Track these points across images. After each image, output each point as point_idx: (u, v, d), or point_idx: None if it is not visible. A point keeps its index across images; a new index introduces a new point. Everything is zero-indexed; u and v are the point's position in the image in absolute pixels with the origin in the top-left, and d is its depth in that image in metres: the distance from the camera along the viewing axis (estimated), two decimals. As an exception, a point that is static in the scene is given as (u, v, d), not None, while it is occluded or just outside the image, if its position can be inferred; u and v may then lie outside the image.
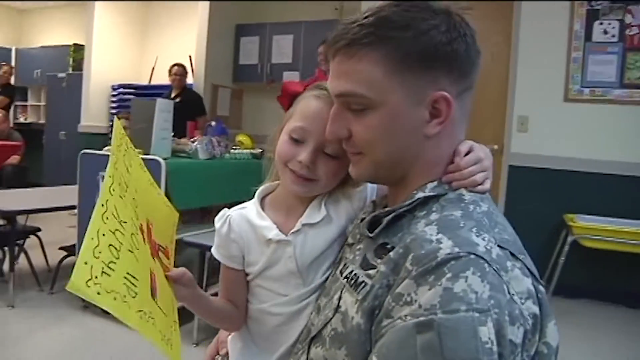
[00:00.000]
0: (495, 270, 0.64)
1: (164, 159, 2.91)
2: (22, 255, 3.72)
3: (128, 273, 0.71)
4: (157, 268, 0.85)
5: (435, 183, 0.79)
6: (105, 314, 3.15)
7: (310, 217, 0.94)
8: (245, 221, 0.96)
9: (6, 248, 3.48)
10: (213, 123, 4.17)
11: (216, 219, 0.98)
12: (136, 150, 0.95)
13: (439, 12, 0.74)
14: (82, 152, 3.12)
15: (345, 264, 0.84)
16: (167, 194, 2.80)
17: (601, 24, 4.01)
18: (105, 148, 3.11)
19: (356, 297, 0.74)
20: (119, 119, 0.93)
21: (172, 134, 3.21)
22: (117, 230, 0.73)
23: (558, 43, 4.11)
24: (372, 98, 0.76)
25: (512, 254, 0.68)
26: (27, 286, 3.67)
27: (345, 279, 0.80)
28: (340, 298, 0.79)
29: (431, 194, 0.77)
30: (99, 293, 0.63)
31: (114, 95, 6.80)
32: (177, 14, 6.98)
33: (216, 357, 1.11)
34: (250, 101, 6.44)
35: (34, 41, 8.55)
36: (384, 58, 0.74)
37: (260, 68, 6.15)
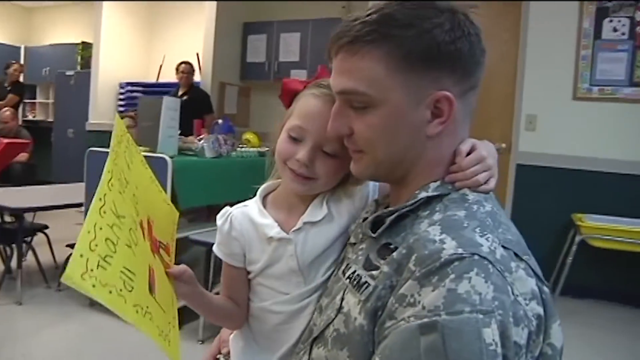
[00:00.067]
0: (499, 271, 0.63)
1: (171, 157, 2.92)
2: (30, 253, 3.74)
3: (125, 267, 0.71)
4: (157, 264, 0.85)
5: (438, 183, 0.78)
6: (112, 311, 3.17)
7: (312, 215, 0.94)
8: (247, 219, 0.96)
9: (14, 245, 3.50)
10: (220, 121, 4.17)
11: (218, 216, 0.98)
12: (143, 148, 0.95)
13: (444, 11, 0.73)
14: (89, 149, 3.13)
15: (347, 264, 0.84)
16: (173, 192, 2.86)
17: (611, 21, 3.97)
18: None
19: (359, 297, 0.74)
20: (122, 118, 0.93)
21: (179, 132, 3.21)
22: (114, 224, 0.73)
23: (567, 41, 4.07)
24: (373, 96, 0.75)
25: (516, 255, 0.68)
26: (35, 283, 3.69)
27: (348, 280, 0.80)
28: (342, 299, 0.79)
29: (434, 193, 0.76)
30: (94, 286, 0.63)
31: (121, 93, 6.82)
32: (184, 12, 6.99)
33: (218, 356, 1.11)
34: (257, 99, 6.44)
35: (43, 39, 8.60)
36: (387, 56, 0.73)
37: (267, 66, 6.15)
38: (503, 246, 0.67)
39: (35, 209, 3.50)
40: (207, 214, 3.35)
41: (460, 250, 0.64)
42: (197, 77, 5.84)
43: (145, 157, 1.01)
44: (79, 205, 3.39)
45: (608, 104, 3.99)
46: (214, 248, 1.00)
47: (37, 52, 8.35)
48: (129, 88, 6.76)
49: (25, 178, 5.51)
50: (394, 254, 0.72)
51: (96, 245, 0.67)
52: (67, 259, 3.44)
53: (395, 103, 0.75)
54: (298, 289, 0.93)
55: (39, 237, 3.77)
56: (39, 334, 2.95)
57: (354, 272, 0.79)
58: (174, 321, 0.84)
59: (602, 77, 4.01)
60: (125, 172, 0.84)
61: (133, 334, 0.75)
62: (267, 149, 3.76)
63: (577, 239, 3.59)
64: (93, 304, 3.34)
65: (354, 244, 0.87)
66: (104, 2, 6.57)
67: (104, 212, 0.72)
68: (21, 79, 7.19)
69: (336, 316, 0.79)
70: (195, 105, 5.11)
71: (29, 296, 3.46)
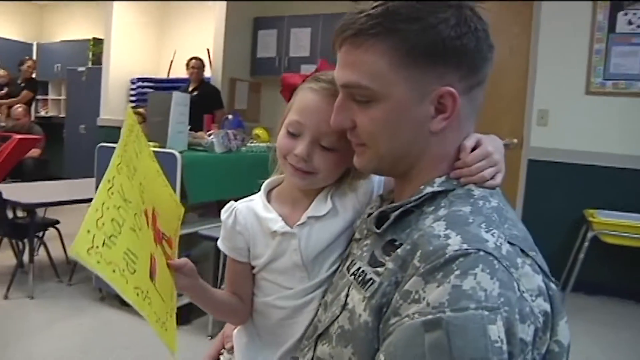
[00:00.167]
0: (505, 267, 0.62)
1: (180, 152, 2.93)
2: (42, 247, 3.78)
3: (128, 249, 0.72)
4: (159, 254, 0.85)
5: (443, 178, 0.77)
6: (122, 305, 3.22)
7: (316, 209, 0.93)
8: (252, 213, 0.96)
9: (26, 240, 3.53)
10: (230, 116, 4.18)
11: (222, 211, 0.99)
12: (152, 143, 0.95)
13: (450, 6, 0.72)
14: (100, 145, 3.16)
15: (352, 260, 0.83)
16: (182, 187, 2.86)
17: (626, 14, 3.91)
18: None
19: (364, 294, 0.73)
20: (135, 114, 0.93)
21: (189, 127, 3.22)
22: (120, 207, 0.73)
23: (580, 35, 4.02)
24: (376, 90, 0.74)
25: (523, 251, 0.66)
26: (46, 277, 3.73)
27: (353, 276, 0.79)
28: (347, 295, 0.78)
29: (439, 189, 0.76)
30: (98, 262, 0.64)
31: (132, 89, 6.85)
32: (195, 8, 7.00)
33: (221, 351, 1.11)
34: (268, 94, 6.43)
35: (54, 36, 8.66)
36: (390, 50, 0.72)
37: (278, 61, 6.14)
38: (509, 242, 0.66)
39: (46, 204, 3.52)
40: (217, 209, 3.34)
41: (465, 246, 0.63)
42: (207, 73, 5.84)
43: (155, 152, 1.02)
44: (90, 200, 3.36)
45: (622, 99, 3.94)
46: (219, 242, 1.00)
47: (48, 48, 8.40)
48: (140, 84, 6.79)
49: (38, 173, 5.57)
50: (399, 250, 0.71)
51: (103, 223, 0.67)
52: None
53: (398, 98, 0.74)
54: (302, 284, 0.93)
55: (51, 232, 3.81)
56: (50, 328, 2.97)
57: (359, 268, 0.78)
58: (172, 312, 0.84)
59: (616, 71, 3.95)
60: (133, 160, 0.85)
61: (143, 329, 0.76)
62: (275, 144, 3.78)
63: (589, 235, 3.56)
64: (104, 299, 3.37)
65: (359, 239, 0.87)
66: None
67: (112, 194, 0.72)
68: (34, 75, 7.25)
69: (341, 313, 0.78)
70: (206, 101, 5.12)
71: (41, 290, 3.50)
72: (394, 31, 0.72)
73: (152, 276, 0.78)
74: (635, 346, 3.16)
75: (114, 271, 0.66)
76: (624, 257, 3.74)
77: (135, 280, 0.71)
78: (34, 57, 8.03)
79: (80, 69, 7.45)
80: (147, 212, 0.86)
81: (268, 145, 3.77)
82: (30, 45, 8.59)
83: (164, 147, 2.92)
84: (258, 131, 4.26)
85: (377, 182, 0.98)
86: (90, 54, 7.62)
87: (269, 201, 0.98)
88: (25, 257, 3.52)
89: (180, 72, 6.32)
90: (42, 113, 8.50)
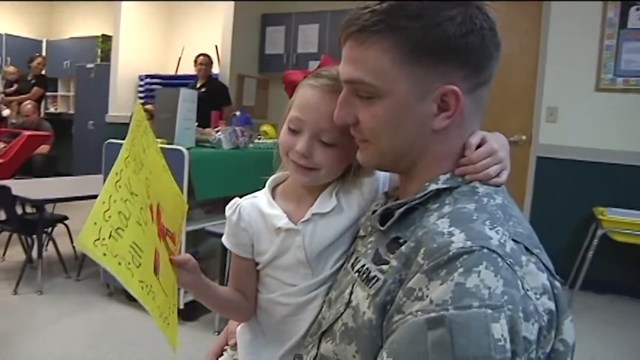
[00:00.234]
0: (509, 264, 0.61)
1: (187, 148, 2.93)
2: (50, 243, 3.81)
3: (134, 243, 0.72)
4: (163, 249, 0.85)
5: (448, 175, 0.76)
6: (130, 301, 3.23)
7: (321, 206, 0.93)
8: (256, 210, 0.96)
9: (35, 236, 3.55)
10: (237, 113, 4.18)
11: (227, 207, 0.99)
12: (160, 140, 0.95)
13: (456, 4, 0.71)
14: (107, 141, 3.17)
15: (356, 258, 0.83)
16: (190, 184, 2.87)
17: (638, 9, 3.86)
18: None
19: (368, 292, 0.73)
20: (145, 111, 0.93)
21: (197, 123, 3.22)
22: (127, 200, 0.74)
23: (590, 31, 3.98)
24: (379, 87, 0.74)
25: (527, 249, 0.66)
26: (55, 273, 3.76)
27: (357, 273, 0.79)
28: (351, 293, 0.78)
29: (444, 186, 0.75)
30: (104, 254, 0.64)
31: (141, 86, 6.87)
32: (203, 5, 7.00)
33: (225, 347, 1.11)
34: (276, 91, 6.43)
35: (64, 33, 8.70)
36: (393, 47, 0.72)
37: (286, 58, 6.13)
38: (513, 239, 0.65)
39: (55, 200, 3.54)
40: (224, 206, 3.30)
41: (469, 244, 0.62)
42: (215, 69, 5.85)
43: (162, 148, 1.02)
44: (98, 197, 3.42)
45: (632, 95, 3.90)
46: (223, 239, 1.00)
47: (58, 45, 8.44)
48: (148, 80, 6.80)
49: (46, 170, 5.60)
50: (403, 247, 0.71)
51: (109, 216, 0.68)
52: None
53: (400, 95, 0.73)
54: (306, 281, 0.92)
55: (59, 227, 3.83)
56: (58, 323, 2.99)
57: (363, 265, 0.78)
58: (174, 307, 0.84)
59: (627, 67, 3.90)
60: (140, 155, 0.85)
61: (151, 325, 0.76)
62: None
63: (599, 233, 3.52)
64: (112, 294, 3.39)
65: (364, 236, 0.86)
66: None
67: (119, 187, 0.73)
68: (44, 72, 7.29)
69: (345, 310, 0.78)
70: (214, 98, 5.13)
71: (49, 286, 3.52)
72: (396, 28, 0.71)
73: (156, 271, 0.78)
74: (632, 344, 3.13)
75: (119, 264, 0.67)
76: (634, 256, 3.71)
77: (140, 273, 0.71)
78: (44, 54, 8.07)
79: (89, 65, 7.48)
80: (152, 207, 0.86)
81: (275, 142, 3.76)
82: (40, 42, 8.64)
83: (171, 143, 2.93)
84: (266, 128, 4.26)
85: (383, 179, 0.97)
86: (99, 50, 7.65)
87: (273, 198, 0.97)
88: (34, 253, 3.54)
89: (188, 68, 6.33)
90: (52, 109, 8.55)
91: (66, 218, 3.81)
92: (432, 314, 0.60)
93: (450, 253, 0.62)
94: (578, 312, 3.41)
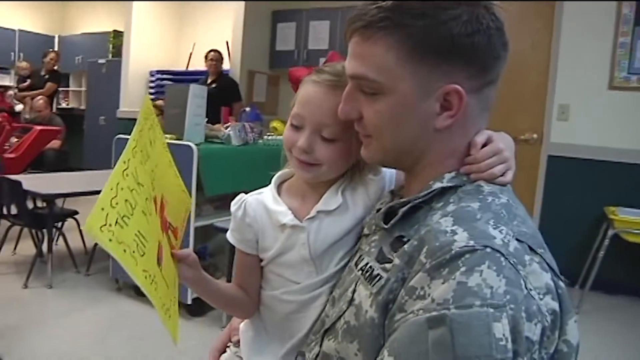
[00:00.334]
0: (512, 264, 0.61)
1: (197, 144, 2.93)
2: (61, 238, 3.83)
3: (139, 232, 0.72)
4: (165, 243, 0.85)
5: (453, 174, 0.76)
6: (138, 296, 3.25)
7: (326, 204, 0.92)
8: (261, 206, 0.96)
9: (45, 230, 3.58)
10: (247, 109, 4.18)
11: (232, 203, 0.98)
12: (169, 135, 0.95)
13: (463, 3, 0.70)
14: (117, 136, 3.18)
15: (360, 256, 0.83)
16: (198, 180, 2.87)
17: (654, 5, 3.80)
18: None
19: (371, 290, 0.73)
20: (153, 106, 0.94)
21: (206, 119, 3.23)
22: (134, 189, 0.74)
23: (604, 28, 3.92)
24: (383, 84, 0.73)
25: (531, 248, 0.65)
26: (65, 267, 3.79)
27: (360, 271, 0.78)
28: (354, 291, 0.78)
29: (449, 184, 0.75)
30: (110, 240, 0.64)
31: (152, 81, 6.90)
32: (214, 1, 7.01)
33: (228, 344, 1.11)
34: (286, 87, 6.42)
35: (76, 28, 8.75)
36: (398, 44, 0.71)
37: (297, 54, 6.13)
38: (517, 239, 0.65)
39: (65, 195, 3.57)
40: (233, 202, 3.36)
41: (472, 243, 0.62)
42: (226, 65, 5.85)
43: (171, 144, 1.02)
44: (108, 192, 3.44)
45: (646, 94, 3.85)
46: (228, 234, 1.00)
47: (70, 41, 8.50)
48: (159, 76, 6.83)
49: (58, 164, 5.65)
50: (405, 246, 0.70)
51: (116, 203, 0.68)
52: (96, 244, 3.52)
53: (403, 93, 0.73)
54: (309, 279, 0.92)
55: (69, 222, 3.86)
56: (68, 317, 3.02)
57: (367, 264, 0.78)
58: (175, 300, 0.84)
59: (642, 65, 3.85)
60: (147, 147, 0.86)
61: (159, 320, 0.77)
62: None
63: (610, 232, 3.49)
64: (120, 289, 3.41)
65: (368, 235, 0.86)
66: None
67: (127, 175, 0.73)
68: (56, 67, 7.34)
69: (347, 308, 0.78)
70: (224, 93, 5.13)
71: (59, 280, 3.55)
72: (401, 25, 0.71)
73: (159, 262, 0.78)
74: (635, 345, 3.09)
75: (124, 251, 0.67)
76: (645, 256, 3.67)
77: (144, 263, 0.72)
78: (56, 50, 8.13)
79: (101, 61, 7.53)
80: (155, 200, 0.86)
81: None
82: (53, 37, 8.71)
83: (180, 139, 2.94)
84: (275, 124, 4.25)
85: (389, 178, 0.97)
86: (111, 46, 7.70)
87: (279, 194, 0.97)
88: (45, 247, 3.57)
89: (199, 64, 6.34)
90: (63, 105, 8.61)
91: (76, 213, 3.83)
92: (434, 313, 0.59)
93: (453, 252, 0.62)
94: (588, 312, 3.39)
